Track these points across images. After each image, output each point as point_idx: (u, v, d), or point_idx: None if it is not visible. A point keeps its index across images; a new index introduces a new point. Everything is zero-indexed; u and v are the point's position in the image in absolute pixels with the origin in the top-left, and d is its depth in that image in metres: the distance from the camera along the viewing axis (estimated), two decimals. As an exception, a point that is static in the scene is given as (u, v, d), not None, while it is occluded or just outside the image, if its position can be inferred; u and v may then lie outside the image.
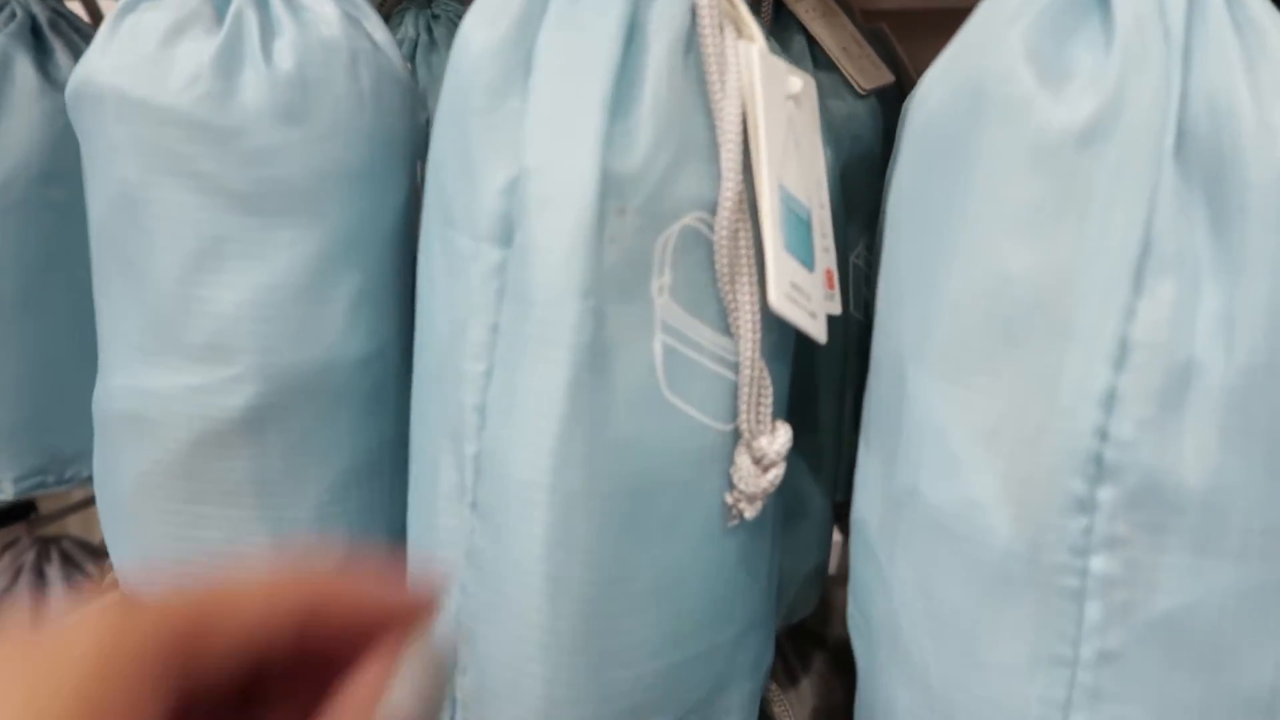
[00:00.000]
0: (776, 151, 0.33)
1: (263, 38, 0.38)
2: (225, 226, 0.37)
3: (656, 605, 0.34)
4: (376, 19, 0.41)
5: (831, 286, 0.36)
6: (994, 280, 0.31)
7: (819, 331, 0.34)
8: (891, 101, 0.49)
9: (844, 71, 0.48)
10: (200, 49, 0.37)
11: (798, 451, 0.40)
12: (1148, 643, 0.30)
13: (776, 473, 0.34)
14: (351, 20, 0.40)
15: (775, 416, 0.35)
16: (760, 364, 0.33)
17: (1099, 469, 0.30)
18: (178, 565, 0.40)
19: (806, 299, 0.34)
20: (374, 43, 0.40)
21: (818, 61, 0.48)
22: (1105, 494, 0.30)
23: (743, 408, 0.34)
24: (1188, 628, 0.30)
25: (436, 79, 0.50)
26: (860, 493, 0.37)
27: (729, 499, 0.35)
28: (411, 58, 0.52)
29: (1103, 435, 0.30)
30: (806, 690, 0.60)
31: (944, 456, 0.32)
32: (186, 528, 0.39)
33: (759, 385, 0.34)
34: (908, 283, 0.34)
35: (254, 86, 0.37)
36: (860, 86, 0.48)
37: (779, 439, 0.34)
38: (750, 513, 0.35)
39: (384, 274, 0.40)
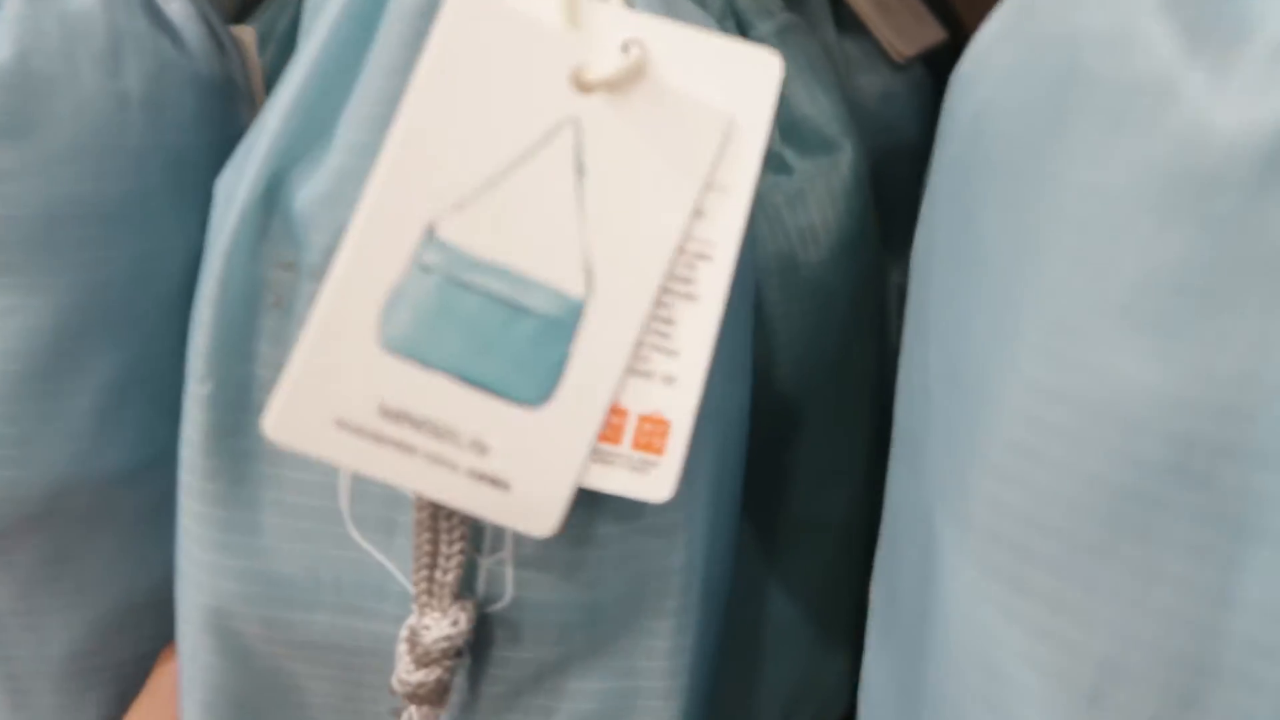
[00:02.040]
0: (435, 161, 0.19)
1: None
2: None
3: None
4: (177, -14, 0.29)
5: (650, 446, 0.20)
6: (1089, 406, 0.16)
7: (527, 520, 0.20)
8: (945, 72, 0.34)
9: (876, 34, 0.33)
10: None
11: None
12: None
13: (434, 675, 0.21)
14: (120, -13, 0.28)
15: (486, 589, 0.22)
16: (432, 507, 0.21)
17: None
18: None
19: (467, 450, 0.19)
20: (157, 21, 0.29)
21: (843, 24, 0.34)
22: None
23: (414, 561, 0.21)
24: None
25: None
26: (867, 709, 0.23)
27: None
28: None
29: None
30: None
31: (992, 708, 0.18)
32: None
33: (438, 532, 0.21)
34: (939, 385, 0.20)
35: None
36: (898, 52, 0.33)
37: (445, 625, 0.21)
38: None
39: (160, 353, 0.29)
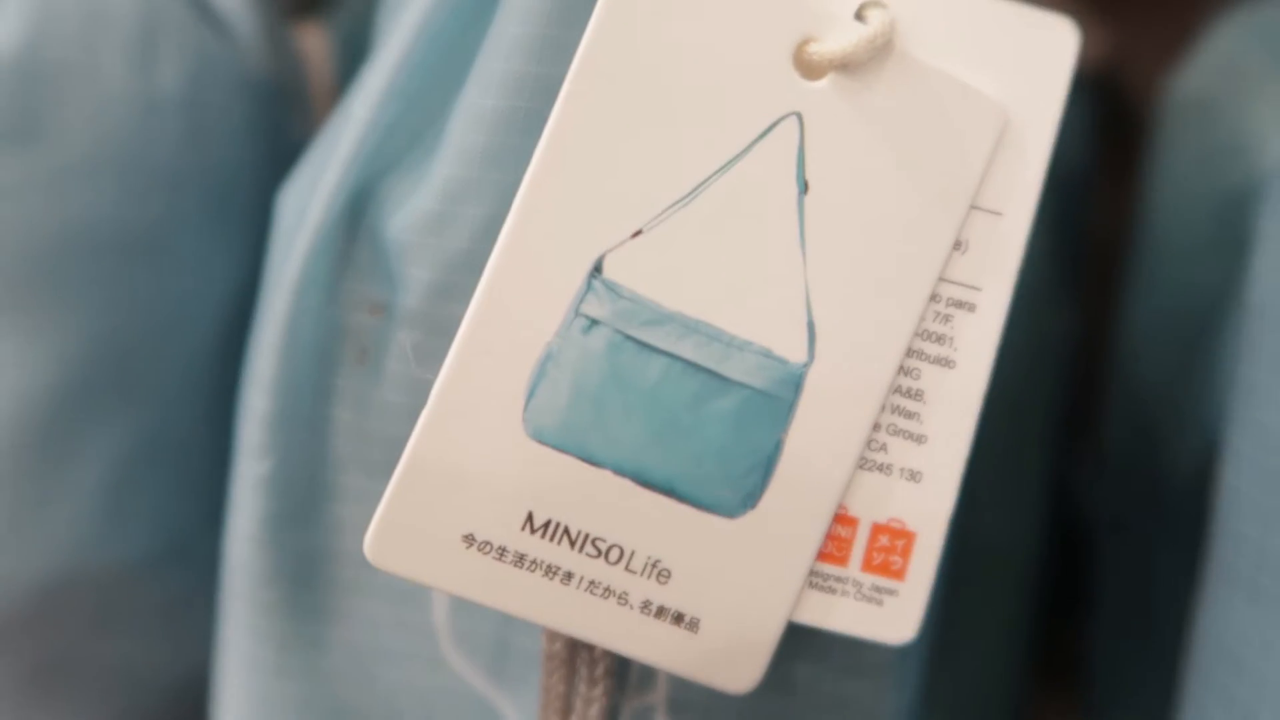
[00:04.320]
0: (591, 185, 0.13)
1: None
2: None
3: None
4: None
5: (888, 568, 0.14)
6: None
7: (720, 670, 0.14)
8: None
9: None
10: None
11: None
12: None
13: None
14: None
15: None
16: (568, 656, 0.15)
17: None
18: None
19: (641, 575, 0.14)
20: (201, 10, 0.24)
21: None
22: None
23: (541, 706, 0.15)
24: None
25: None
26: None
27: None
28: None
29: None
30: None
31: None
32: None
33: (574, 668, 0.15)
34: None
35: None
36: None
37: None
38: None
39: (187, 418, 0.24)
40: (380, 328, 0.17)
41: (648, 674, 0.17)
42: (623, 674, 0.17)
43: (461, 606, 0.18)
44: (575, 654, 0.16)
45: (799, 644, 0.16)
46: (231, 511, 0.19)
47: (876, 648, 0.17)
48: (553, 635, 0.16)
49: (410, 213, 0.17)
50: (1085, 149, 0.31)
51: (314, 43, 0.27)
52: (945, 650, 0.27)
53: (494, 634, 0.18)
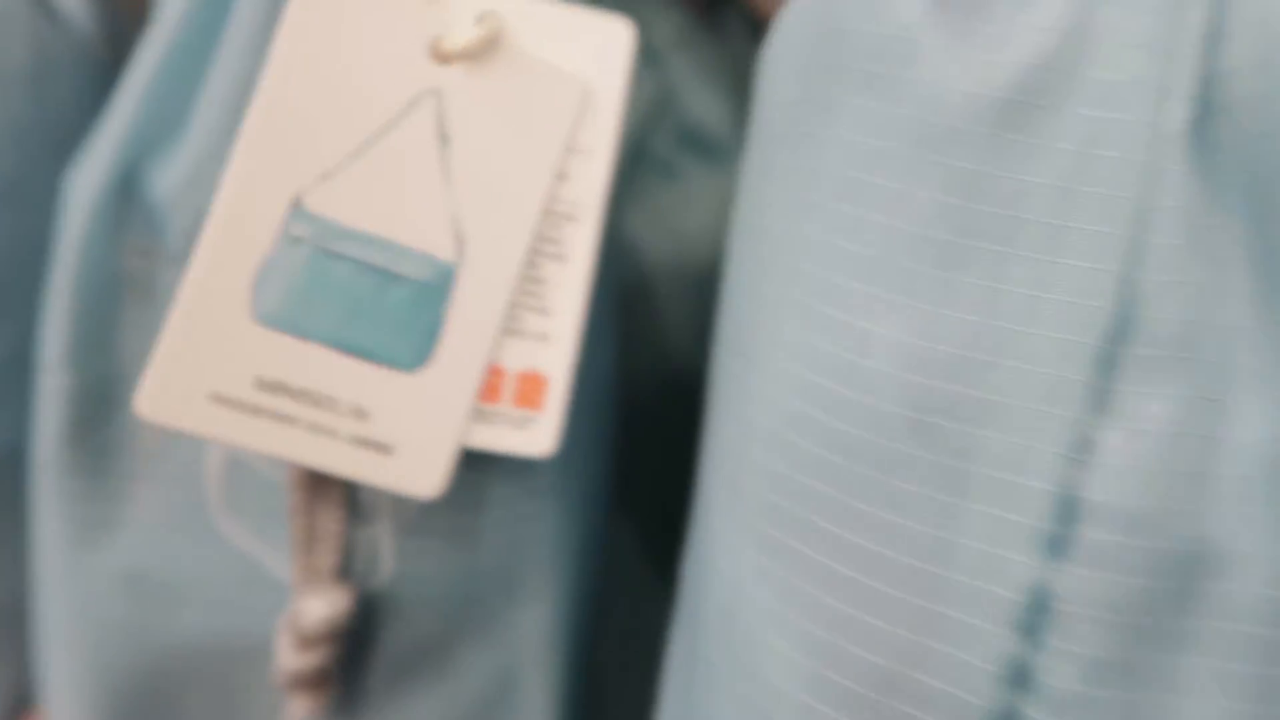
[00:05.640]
0: (291, 136, 0.19)
1: None
2: None
3: None
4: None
5: (529, 402, 0.21)
6: (836, 367, 0.16)
7: (413, 482, 0.20)
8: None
9: None
10: None
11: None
12: None
13: (316, 659, 0.21)
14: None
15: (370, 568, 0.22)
16: (310, 485, 0.21)
17: None
18: None
19: (348, 416, 0.20)
20: (45, 6, 0.28)
21: (760, 35, 0.35)
22: None
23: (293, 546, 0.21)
24: None
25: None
26: (665, 679, 0.23)
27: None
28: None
29: (1021, 682, 0.15)
30: None
31: (751, 681, 0.18)
32: None
33: (314, 514, 0.21)
34: (728, 356, 0.20)
35: None
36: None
37: (326, 606, 0.21)
38: (299, 711, 0.22)
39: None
40: (150, 267, 0.22)
41: (376, 510, 0.23)
42: (356, 513, 0.23)
43: (230, 485, 0.23)
44: (313, 500, 0.22)
45: (482, 471, 0.22)
46: (39, 418, 0.24)
47: (544, 473, 0.23)
48: (295, 485, 0.22)
49: (169, 177, 0.22)
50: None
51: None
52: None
53: (255, 504, 0.23)
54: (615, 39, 0.21)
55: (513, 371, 0.21)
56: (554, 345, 0.21)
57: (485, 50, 0.20)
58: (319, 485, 0.21)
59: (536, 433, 0.21)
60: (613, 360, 0.27)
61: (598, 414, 0.25)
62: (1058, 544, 0.14)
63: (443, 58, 0.20)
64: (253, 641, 0.23)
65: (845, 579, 0.15)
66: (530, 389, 0.21)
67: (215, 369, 0.19)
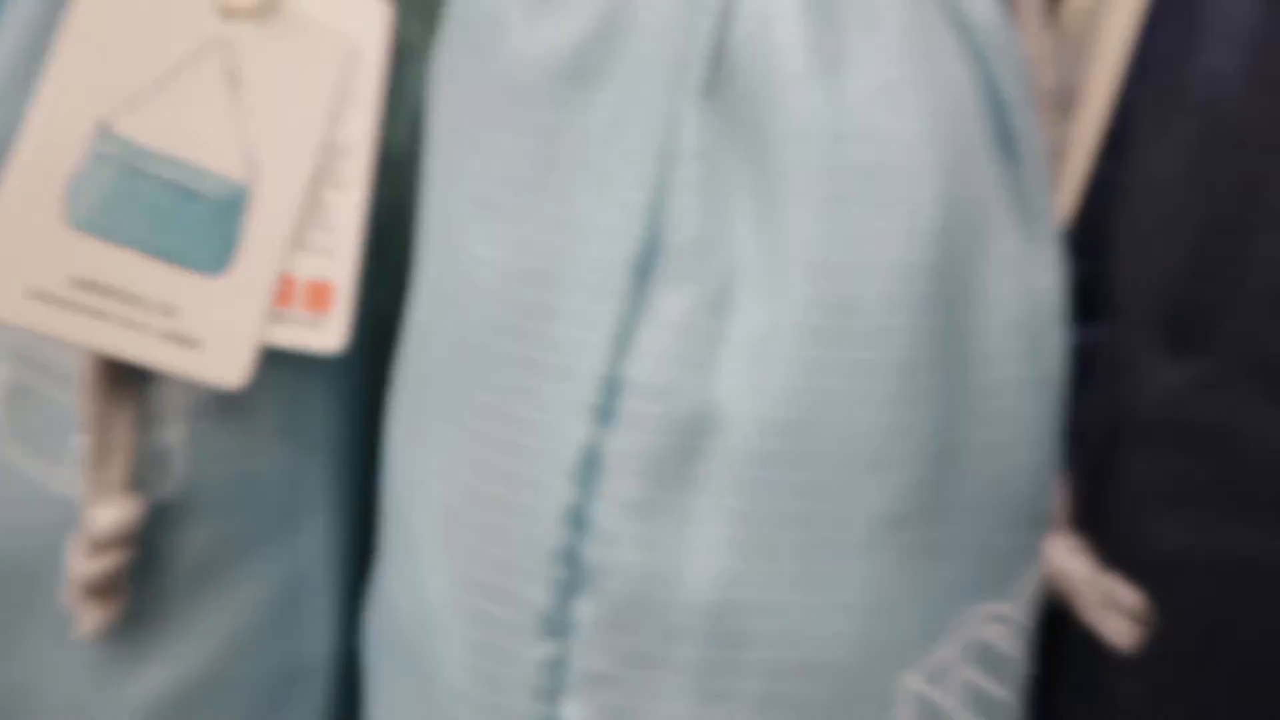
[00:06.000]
0: (104, 69, 0.23)
1: None
2: None
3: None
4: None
5: (318, 305, 0.25)
6: (459, 283, 0.21)
7: (217, 373, 0.24)
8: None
9: None
10: None
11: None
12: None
13: (107, 564, 0.24)
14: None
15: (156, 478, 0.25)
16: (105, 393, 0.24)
17: (574, 573, 0.20)
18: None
19: (157, 313, 0.23)
20: None
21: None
22: (583, 610, 0.20)
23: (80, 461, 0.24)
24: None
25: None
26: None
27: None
28: None
29: (579, 521, 0.19)
30: None
31: (405, 549, 0.23)
32: None
33: (106, 429, 0.24)
34: (413, 278, 0.24)
35: None
36: None
37: (116, 512, 0.24)
38: (90, 621, 0.24)
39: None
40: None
41: (165, 416, 0.25)
42: (146, 423, 0.25)
43: (12, 409, 0.25)
44: (106, 413, 0.24)
45: (262, 380, 0.25)
46: None
47: (320, 380, 0.26)
48: (86, 396, 0.24)
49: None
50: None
51: None
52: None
53: (43, 424, 0.25)
54: (377, 8, 0.25)
55: (303, 280, 0.25)
56: (337, 258, 0.25)
57: (266, 10, 0.24)
58: (112, 396, 0.25)
59: (325, 332, 0.26)
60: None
61: (369, 333, 0.28)
62: (606, 414, 0.19)
63: (229, 14, 0.24)
64: (37, 561, 0.24)
65: (463, 450, 0.20)
66: (318, 295, 0.26)
67: (32, 267, 0.23)
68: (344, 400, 0.28)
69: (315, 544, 0.27)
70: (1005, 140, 0.20)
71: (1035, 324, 0.20)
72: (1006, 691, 0.21)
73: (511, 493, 0.20)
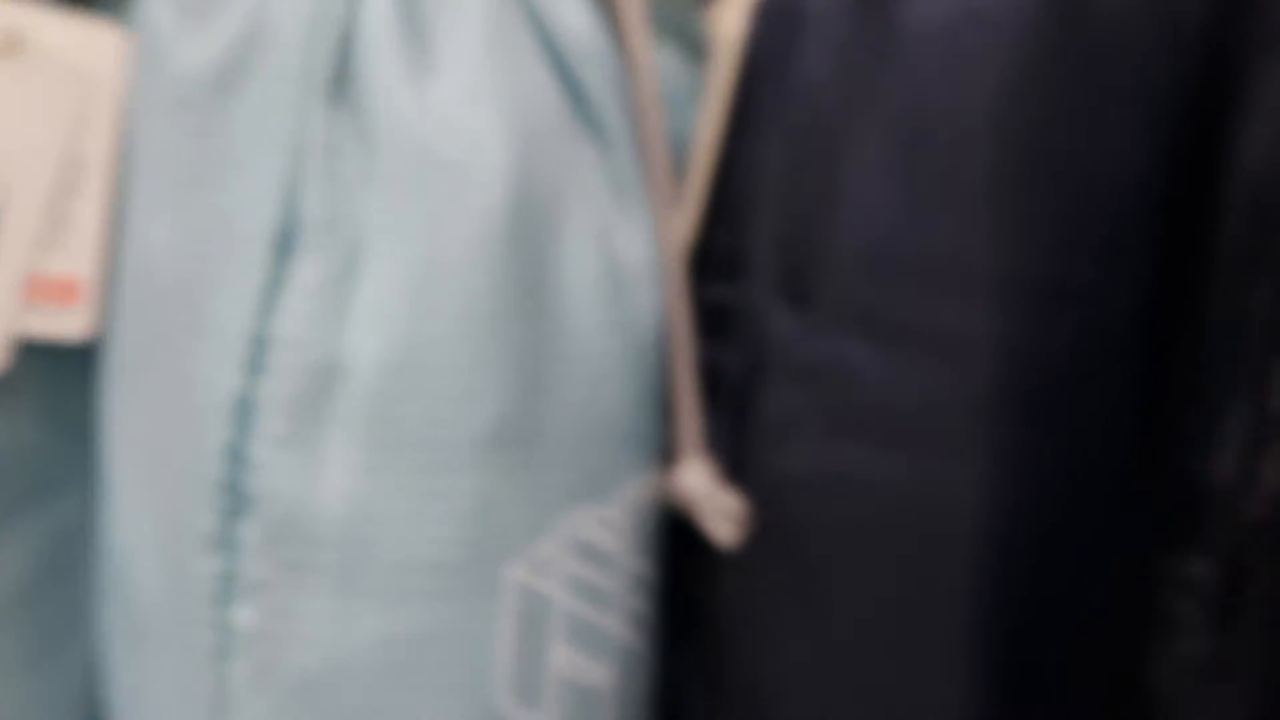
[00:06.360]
0: None
1: None
2: None
3: None
4: None
5: (69, 299, 0.29)
6: (141, 261, 0.26)
7: None
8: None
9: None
10: None
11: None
12: (291, 709, 0.24)
13: None
14: None
15: None
16: None
17: (236, 499, 0.24)
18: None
19: None
20: None
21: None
22: (246, 530, 0.24)
23: None
24: (330, 688, 0.24)
25: None
26: None
27: None
28: None
29: (237, 457, 0.24)
30: None
31: (109, 492, 0.27)
32: None
33: None
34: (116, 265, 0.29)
35: None
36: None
37: None
38: None
39: None
40: None
41: None
42: None
43: None
44: None
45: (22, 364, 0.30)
46: None
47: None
48: None
49: None
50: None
51: None
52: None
53: None
54: (110, 43, 0.29)
55: (52, 277, 0.29)
56: (82, 257, 0.30)
57: (9, 50, 0.28)
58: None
59: (72, 321, 0.30)
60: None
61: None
62: (255, 366, 0.23)
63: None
64: None
65: (145, 402, 0.24)
66: (67, 290, 0.30)
67: None
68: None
69: (76, 510, 0.31)
70: (594, 131, 0.25)
71: (618, 277, 0.24)
72: (611, 581, 0.25)
73: (183, 435, 0.25)
